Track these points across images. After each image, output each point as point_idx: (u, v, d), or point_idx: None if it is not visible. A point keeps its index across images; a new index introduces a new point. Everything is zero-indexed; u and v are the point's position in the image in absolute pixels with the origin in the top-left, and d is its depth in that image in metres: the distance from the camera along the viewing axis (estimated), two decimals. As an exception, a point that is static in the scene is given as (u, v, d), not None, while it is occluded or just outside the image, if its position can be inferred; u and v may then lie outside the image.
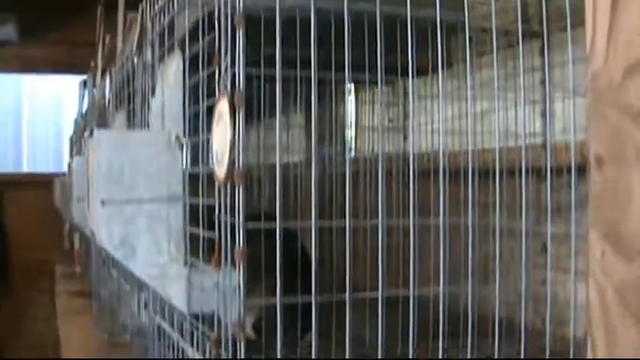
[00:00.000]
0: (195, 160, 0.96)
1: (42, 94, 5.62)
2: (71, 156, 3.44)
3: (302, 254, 1.69)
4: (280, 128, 1.04)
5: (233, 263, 0.79)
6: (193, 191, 1.03)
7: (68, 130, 4.45)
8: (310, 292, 0.92)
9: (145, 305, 1.24)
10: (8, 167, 5.38)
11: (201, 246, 0.92)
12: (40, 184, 4.28)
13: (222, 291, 0.84)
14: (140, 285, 1.29)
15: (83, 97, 3.32)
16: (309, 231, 0.98)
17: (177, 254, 0.92)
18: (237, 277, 0.81)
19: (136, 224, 0.91)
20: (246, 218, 0.88)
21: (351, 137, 2.48)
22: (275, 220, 0.92)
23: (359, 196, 2.22)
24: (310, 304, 0.91)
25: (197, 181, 0.96)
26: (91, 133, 1.10)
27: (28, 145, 5.63)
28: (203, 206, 0.91)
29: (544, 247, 1.84)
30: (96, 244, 1.66)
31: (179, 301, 0.89)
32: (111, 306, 1.96)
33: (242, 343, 0.80)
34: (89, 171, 1.01)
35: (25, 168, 5.58)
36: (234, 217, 0.80)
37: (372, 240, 2.04)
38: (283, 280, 0.90)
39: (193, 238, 0.94)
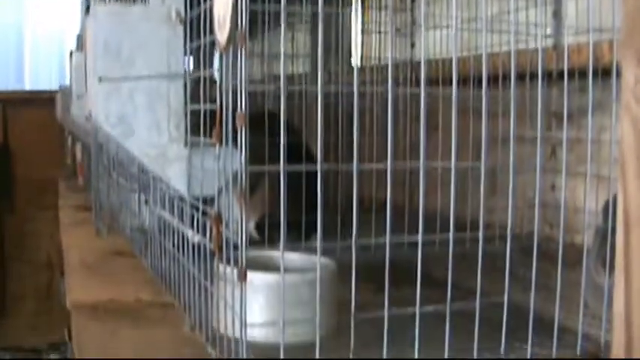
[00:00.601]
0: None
1: (45, 11, 5.54)
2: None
3: (306, 153, 1.67)
4: (285, 38, 0.99)
5: (234, 131, 0.76)
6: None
7: (71, 47, 4.39)
8: (315, 192, 0.89)
9: (146, 202, 1.22)
10: (10, 85, 5.34)
11: (202, 124, 0.89)
12: (43, 101, 4.25)
13: (223, 170, 0.81)
14: (140, 184, 1.27)
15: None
16: (314, 138, 0.94)
17: (177, 134, 0.89)
18: (238, 156, 0.78)
19: (135, 102, 0.88)
20: (251, 117, 0.85)
21: (357, 45, 2.43)
22: (278, 119, 0.89)
23: (365, 104, 2.17)
24: (315, 207, 0.88)
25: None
26: (87, 10, 1.07)
27: (30, 62, 5.58)
28: (205, 79, 0.88)
29: (553, 153, 1.81)
30: (95, 150, 1.63)
31: (179, 182, 0.87)
32: (111, 212, 1.94)
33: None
34: (86, 49, 0.97)
35: (28, 86, 5.54)
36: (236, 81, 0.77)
37: (379, 151, 2.01)
38: (287, 178, 0.87)
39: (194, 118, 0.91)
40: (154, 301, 1.58)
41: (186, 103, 0.90)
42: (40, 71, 5.58)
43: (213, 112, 0.81)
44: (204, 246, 0.86)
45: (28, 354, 4.63)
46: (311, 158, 1.63)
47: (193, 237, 0.89)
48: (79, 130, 1.98)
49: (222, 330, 0.84)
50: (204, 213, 0.84)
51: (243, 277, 0.69)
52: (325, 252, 0.98)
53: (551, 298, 0.99)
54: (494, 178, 1.95)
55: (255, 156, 0.89)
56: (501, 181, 1.89)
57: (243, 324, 0.70)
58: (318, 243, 0.81)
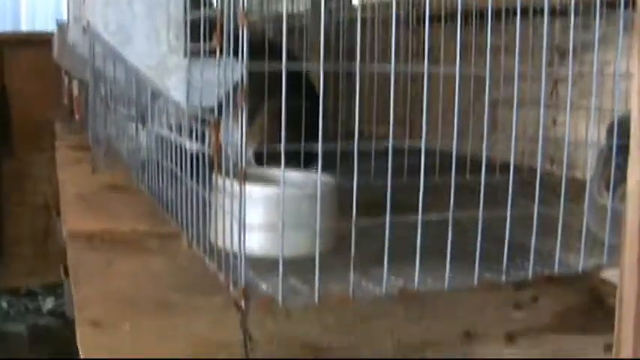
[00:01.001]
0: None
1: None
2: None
3: (306, 83, 1.64)
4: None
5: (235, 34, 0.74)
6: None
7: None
8: (315, 120, 0.87)
9: (144, 123, 1.20)
10: (6, 26, 5.28)
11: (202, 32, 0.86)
12: (40, 43, 4.20)
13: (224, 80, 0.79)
14: (139, 108, 1.24)
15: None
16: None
17: (177, 44, 0.86)
18: (240, 67, 0.75)
19: (133, 10, 0.85)
20: (250, 42, 0.82)
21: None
22: (280, 49, 0.86)
23: (365, 42, 2.13)
24: (315, 135, 0.86)
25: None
26: None
27: (27, 3, 5.51)
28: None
29: (554, 88, 1.78)
30: (93, 78, 1.60)
31: (178, 93, 0.85)
32: (108, 142, 1.92)
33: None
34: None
35: (24, 27, 5.48)
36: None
37: (380, 87, 1.98)
38: (287, 106, 0.84)
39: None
40: (150, 232, 1.57)
41: (186, 12, 0.88)
42: (37, 13, 5.52)
43: (213, 20, 0.79)
44: (203, 156, 0.85)
45: (23, 300, 4.64)
46: (311, 87, 1.60)
47: (192, 146, 0.87)
48: (75, 61, 1.95)
49: (220, 244, 0.82)
50: (203, 121, 0.82)
51: (242, 179, 0.67)
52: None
53: (552, 228, 0.97)
54: (494, 114, 1.92)
55: (255, 83, 0.87)
56: (502, 118, 1.87)
57: (242, 226, 0.68)
58: (320, 154, 0.79)
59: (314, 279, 0.74)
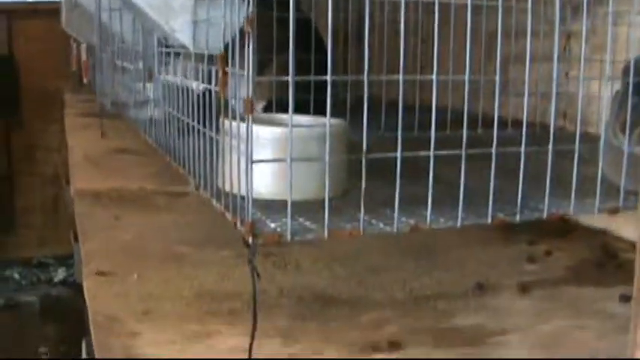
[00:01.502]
0: None
1: None
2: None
3: (315, 34, 1.62)
4: None
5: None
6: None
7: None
8: (324, 72, 0.84)
9: (150, 77, 1.18)
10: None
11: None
12: (48, 12, 4.17)
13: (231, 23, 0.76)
14: (146, 61, 1.22)
15: None
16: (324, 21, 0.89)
17: (182, -15, 0.84)
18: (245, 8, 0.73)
19: (137, -50, 0.83)
20: None
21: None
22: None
23: None
24: (323, 87, 0.83)
25: None
26: None
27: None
28: None
29: (567, 43, 1.75)
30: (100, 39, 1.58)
31: (183, 35, 0.83)
32: (116, 107, 1.91)
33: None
34: None
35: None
36: None
37: (389, 44, 1.95)
38: (296, 60, 0.82)
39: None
40: (158, 190, 1.56)
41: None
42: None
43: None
44: (210, 97, 0.83)
45: (34, 270, 4.66)
46: (319, 39, 1.58)
47: (198, 87, 0.85)
48: (82, 24, 1.93)
49: (227, 188, 0.81)
50: (210, 58, 0.80)
51: (249, 110, 0.65)
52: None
53: (567, 174, 0.95)
54: (506, 72, 1.89)
55: (263, 39, 0.85)
56: (513, 76, 1.83)
57: (249, 162, 0.67)
58: (328, 103, 0.77)
59: (324, 219, 0.72)
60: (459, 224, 0.75)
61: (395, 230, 0.73)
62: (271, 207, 0.80)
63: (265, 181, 0.80)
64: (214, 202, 0.81)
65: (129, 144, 2.14)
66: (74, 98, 3.36)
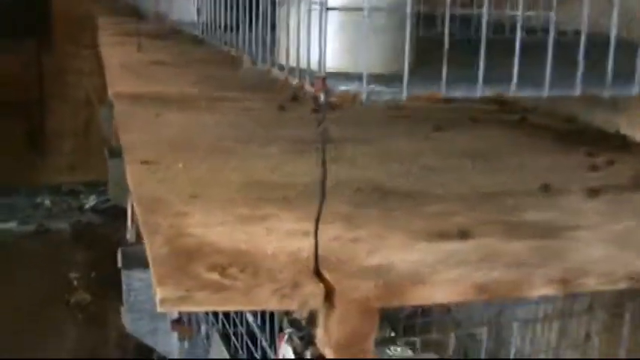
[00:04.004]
0: None
1: None
2: None
3: None
4: None
5: None
6: None
7: None
8: None
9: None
10: None
11: None
12: None
13: None
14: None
15: None
16: None
17: None
18: None
19: None
20: None
21: None
22: None
23: None
24: None
25: None
26: None
27: None
28: None
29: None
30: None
31: None
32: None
33: None
34: None
35: None
36: None
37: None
38: None
39: None
40: (198, 95, 1.50)
41: None
42: None
43: None
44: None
45: (65, 197, 4.64)
46: None
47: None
48: None
49: (289, 61, 0.74)
50: None
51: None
52: None
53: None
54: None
55: None
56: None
57: (324, 9, 0.59)
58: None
59: (397, 85, 0.65)
60: (545, 94, 0.67)
61: (478, 95, 0.65)
62: (339, 82, 0.72)
63: (333, 55, 0.72)
64: (275, 71, 0.74)
65: (165, 57, 2.07)
66: (107, 21, 3.29)
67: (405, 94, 0.63)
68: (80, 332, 3.42)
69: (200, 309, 0.55)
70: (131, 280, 1.48)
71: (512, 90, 0.66)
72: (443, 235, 0.74)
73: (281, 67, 0.72)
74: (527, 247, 0.75)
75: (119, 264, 1.52)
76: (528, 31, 1.36)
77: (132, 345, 2.96)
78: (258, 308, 0.56)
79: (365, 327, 0.58)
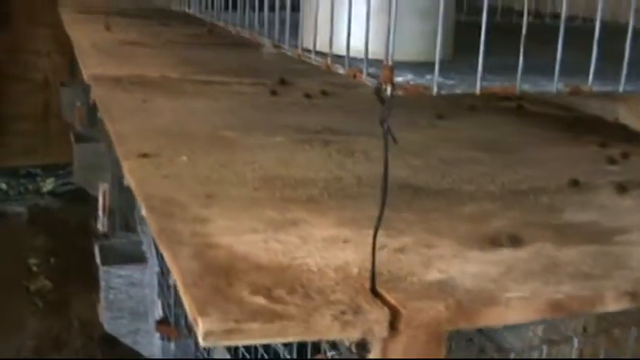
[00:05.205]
0: None
1: None
2: None
3: None
4: None
5: None
6: None
7: None
8: None
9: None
10: None
11: None
12: None
13: None
14: None
15: None
16: None
17: None
18: None
19: None
20: None
21: None
22: None
23: None
24: None
25: None
26: None
27: None
28: None
29: None
30: None
31: None
32: None
33: None
34: None
35: None
36: None
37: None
38: None
39: None
40: (182, 78, 1.40)
41: None
42: None
43: None
44: None
45: (22, 181, 4.50)
46: None
47: None
48: None
49: (316, 47, 0.65)
50: None
51: None
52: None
53: None
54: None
55: None
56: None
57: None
58: None
59: (461, 76, 0.57)
60: (621, 89, 0.60)
61: (554, 90, 0.58)
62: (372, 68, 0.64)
63: (372, 39, 0.64)
64: (311, 57, 0.65)
65: (137, 37, 1.97)
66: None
67: (477, 89, 0.55)
68: (42, 320, 3.30)
69: (250, 342, 0.47)
70: (110, 276, 1.38)
71: (589, 84, 0.58)
72: (494, 242, 0.67)
73: (319, 54, 0.64)
74: (582, 253, 0.68)
75: (97, 259, 1.42)
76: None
77: (97, 333, 2.86)
78: (319, 338, 0.47)
79: (433, 353, 0.50)
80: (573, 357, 0.73)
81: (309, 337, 0.47)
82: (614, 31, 0.67)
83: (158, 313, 1.35)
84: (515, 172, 0.95)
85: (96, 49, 1.69)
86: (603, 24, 0.62)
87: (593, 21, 0.63)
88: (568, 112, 1.47)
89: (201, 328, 0.45)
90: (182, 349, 1.26)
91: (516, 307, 0.53)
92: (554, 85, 0.58)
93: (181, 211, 0.68)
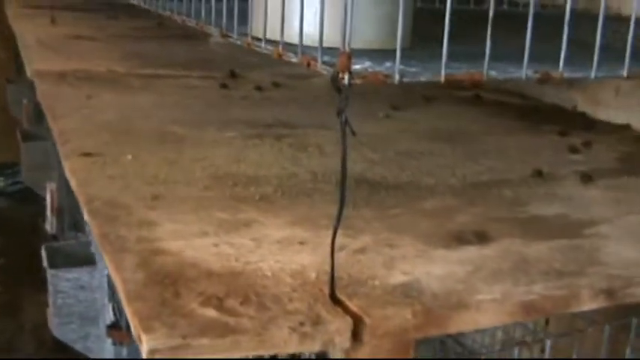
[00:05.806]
0: None
1: None
2: None
3: None
4: None
5: None
6: None
7: None
8: None
9: None
10: None
11: None
12: None
13: None
14: None
15: None
16: None
17: None
18: None
19: None
20: None
21: None
22: None
23: None
24: None
25: None
26: None
27: None
28: None
29: None
30: None
31: None
32: None
33: None
34: None
35: None
36: None
37: None
38: None
39: None
40: (131, 73, 1.34)
41: None
42: None
43: None
44: None
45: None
46: None
47: None
48: None
49: (266, 35, 0.61)
50: None
51: None
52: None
53: None
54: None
55: None
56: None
57: None
58: None
59: (423, 64, 0.53)
60: (592, 75, 0.56)
61: (523, 77, 0.54)
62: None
63: (326, 26, 0.59)
64: (261, 46, 0.61)
65: (83, 31, 1.91)
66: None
67: (442, 78, 0.51)
68: (-8, 324, 3.22)
69: (200, 357, 0.43)
70: (58, 280, 1.32)
71: (559, 71, 0.55)
72: (459, 239, 0.63)
73: (270, 43, 0.59)
74: (552, 249, 0.64)
75: (44, 263, 1.36)
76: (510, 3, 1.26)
77: (49, 336, 2.78)
78: (275, 352, 0.43)
79: (400, 364, 0.46)
80: (546, 357, 0.70)
81: (265, 352, 0.43)
82: (584, 18, 0.64)
83: (109, 317, 1.30)
84: (477, 164, 0.91)
85: (41, 44, 1.63)
86: (574, 11, 0.58)
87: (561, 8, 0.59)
88: (525, 100, 1.44)
89: (145, 346, 0.41)
90: (135, 354, 1.21)
91: (488, 311, 0.50)
92: (524, 72, 0.55)
93: (126, 214, 0.63)
